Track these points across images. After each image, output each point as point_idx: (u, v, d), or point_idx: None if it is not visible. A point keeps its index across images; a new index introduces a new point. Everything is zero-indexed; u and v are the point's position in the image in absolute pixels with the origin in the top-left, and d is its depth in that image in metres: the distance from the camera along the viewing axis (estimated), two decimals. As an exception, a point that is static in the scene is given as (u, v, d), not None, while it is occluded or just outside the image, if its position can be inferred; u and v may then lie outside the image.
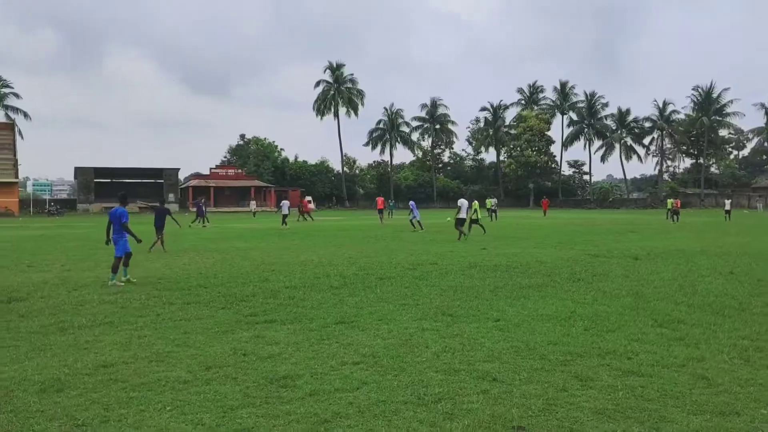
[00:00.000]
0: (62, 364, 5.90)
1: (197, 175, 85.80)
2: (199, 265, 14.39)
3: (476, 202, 26.21)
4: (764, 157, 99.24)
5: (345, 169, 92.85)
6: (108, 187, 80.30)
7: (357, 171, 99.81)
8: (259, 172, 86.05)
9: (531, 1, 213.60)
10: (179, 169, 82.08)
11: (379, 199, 43.35)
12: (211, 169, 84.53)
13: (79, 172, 76.42)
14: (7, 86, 76.53)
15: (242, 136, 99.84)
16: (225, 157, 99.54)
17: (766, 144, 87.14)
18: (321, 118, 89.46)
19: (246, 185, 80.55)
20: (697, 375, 5.43)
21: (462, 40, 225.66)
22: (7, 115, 75.64)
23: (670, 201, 42.91)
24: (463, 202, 23.51)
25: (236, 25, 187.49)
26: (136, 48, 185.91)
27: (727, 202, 41.12)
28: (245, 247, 19.69)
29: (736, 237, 23.59)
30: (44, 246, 20.91)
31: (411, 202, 31.83)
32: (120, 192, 13.13)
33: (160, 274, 12.82)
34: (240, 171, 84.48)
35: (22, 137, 72.90)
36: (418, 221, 29.34)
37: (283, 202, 36.07)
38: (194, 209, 37.25)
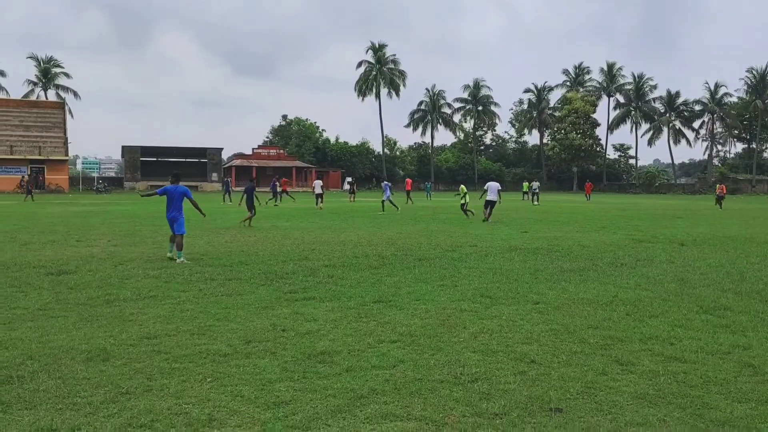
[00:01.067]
0: (108, 335, 6.07)
1: (240, 155, 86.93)
2: (241, 243, 14.60)
3: (463, 186, 25.54)
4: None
5: (386, 150, 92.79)
6: (154, 166, 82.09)
7: (397, 152, 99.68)
8: (301, 153, 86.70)
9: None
10: (222, 148, 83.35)
11: (408, 181, 44.30)
12: (253, 149, 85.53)
13: (126, 150, 78.20)
14: (58, 65, 78.71)
15: (284, 117, 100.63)
16: (267, 137, 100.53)
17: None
18: (362, 99, 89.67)
19: (288, 165, 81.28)
20: (742, 363, 5.29)
21: (507, 20, 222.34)
22: (57, 95, 77.91)
23: (718, 186, 42.06)
24: (491, 185, 23.08)
25: (281, 5, 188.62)
26: (181, 30, 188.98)
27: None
28: (286, 226, 19.90)
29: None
30: (91, 222, 21.51)
31: (384, 183, 32.33)
32: (174, 171, 13.29)
33: (202, 251, 13.06)
34: (282, 151, 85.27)
35: (72, 116, 75.03)
36: (390, 201, 29.74)
37: (315, 182, 36.33)
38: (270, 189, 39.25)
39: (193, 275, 9.79)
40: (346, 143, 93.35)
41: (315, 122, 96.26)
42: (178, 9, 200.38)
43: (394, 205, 30.28)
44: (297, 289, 8.70)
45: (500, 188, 23.44)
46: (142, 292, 8.37)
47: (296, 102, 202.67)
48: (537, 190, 43.07)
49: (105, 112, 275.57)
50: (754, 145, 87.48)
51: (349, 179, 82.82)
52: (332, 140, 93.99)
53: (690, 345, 5.84)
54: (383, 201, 30.47)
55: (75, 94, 78.71)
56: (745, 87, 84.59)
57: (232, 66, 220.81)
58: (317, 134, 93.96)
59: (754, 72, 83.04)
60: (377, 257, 12.09)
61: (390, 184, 32.15)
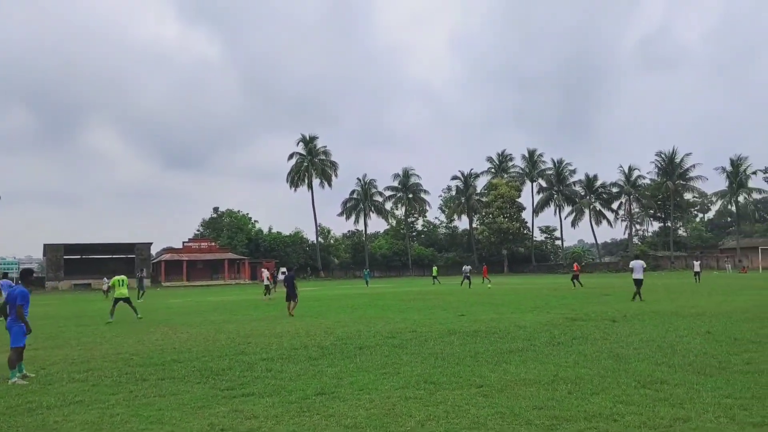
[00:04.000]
0: (30, 447, 5.61)
1: (170, 249, 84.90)
2: (173, 340, 14.03)
3: (120, 278, 21.06)
4: (729, 219, 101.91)
5: (319, 239, 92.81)
6: (78, 264, 78.96)
7: (332, 241, 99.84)
8: (233, 245, 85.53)
9: (496, 72, 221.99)
10: (151, 243, 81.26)
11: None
12: (184, 242, 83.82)
13: (48, 248, 75.10)
14: (-23, 164, 75.90)
15: (216, 209, 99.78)
16: (198, 230, 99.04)
17: (729, 206, 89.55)
18: (295, 190, 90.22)
19: (219, 258, 79.81)
20: (684, 435, 5.37)
21: (432, 110, 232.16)
22: (-25, 193, 74.72)
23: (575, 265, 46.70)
24: (636, 264, 23.08)
25: (209, 98, 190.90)
26: (110, 123, 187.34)
27: (696, 263, 41.63)
28: (219, 320, 19.30)
29: (708, 297, 23.87)
30: (10, 325, 20.20)
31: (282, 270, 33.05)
32: (24, 268, 11.38)
33: (132, 349, 12.46)
34: (213, 244, 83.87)
35: (-10, 215, 71.82)
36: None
37: (280, 270, 36.03)
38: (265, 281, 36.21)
39: (122, 376, 9.28)
40: (279, 233, 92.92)
41: (247, 213, 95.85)
42: (106, 103, 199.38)
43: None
44: (234, 385, 8.36)
45: (644, 266, 23.55)
46: (68, 397, 7.84)
47: (228, 194, 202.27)
48: (468, 274, 43.83)
49: (29, 209, 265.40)
50: (669, 224, 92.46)
51: (283, 269, 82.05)
52: (265, 231, 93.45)
53: (633, 420, 5.91)
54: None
55: (-6, 192, 75.78)
56: (656, 169, 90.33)
57: (162, 158, 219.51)
58: (250, 225, 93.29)
59: (663, 155, 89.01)
60: (316, 347, 11.85)
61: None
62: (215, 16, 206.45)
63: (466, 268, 45.85)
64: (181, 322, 18.89)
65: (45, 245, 75.70)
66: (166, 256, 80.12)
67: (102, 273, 77.22)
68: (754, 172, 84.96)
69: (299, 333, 14.58)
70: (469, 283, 42.38)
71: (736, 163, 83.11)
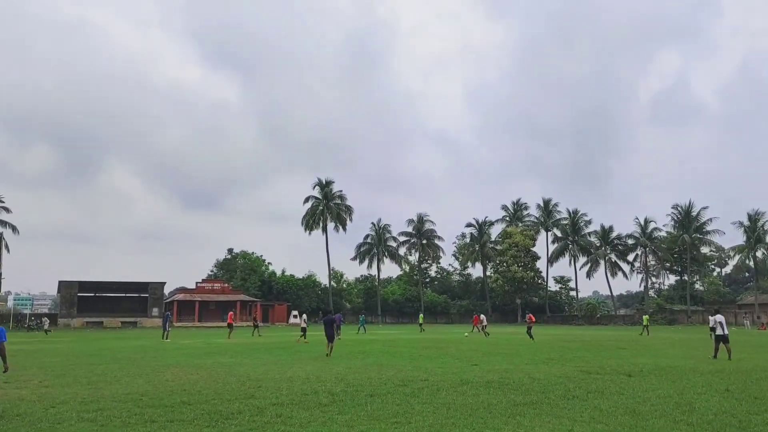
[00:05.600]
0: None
1: (183, 289, 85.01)
2: (183, 381, 13.94)
3: (421, 315, 24.52)
4: (746, 274, 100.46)
5: (332, 283, 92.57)
6: (91, 301, 79.13)
7: (344, 285, 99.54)
8: (246, 286, 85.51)
9: (511, 121, 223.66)
10: (165, 283, 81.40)
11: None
12: (197, 283, 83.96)
13: (62, 285, 75.47)
14: (-1, 200, 77.10)
15: (230, 250, 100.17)
16: (212, 270, 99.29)
17: (747, 261, 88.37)
18: (309, 233, 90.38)
19: (232, 299, 79.69)
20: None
21: (447, 158, 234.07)
22: (-5, 229, 75.58)
23: (645, 317, 48.93)
24: (718, 318, 21.60)
25: (228, 140, 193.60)
26: (129, 163, 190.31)
27: (712, 318, 40.74)
28: (230, 363, 19.18)
29: (725, 354, 23.35)
30: (21, 361, 20.25)
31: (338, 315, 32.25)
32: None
33: (142, 390, 12.39)
34: (226, 285, 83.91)
35: (8, 251, 72.63)
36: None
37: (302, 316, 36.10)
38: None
39: (131, 417, 9.22)
40: (292, 276, 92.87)
41: (261, 255, 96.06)
42: (127, 142, 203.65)
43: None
44: (243, 430, 8.28)
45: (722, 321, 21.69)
46: (76, 437, 7.79)
47: (243, 235, 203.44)
48: (485, 323, 43.49)
49: (45, 245, 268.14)
50: (686, 277, 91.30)
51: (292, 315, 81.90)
52: (278, 273, 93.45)
53: (650, 480, 5.75)
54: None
55: (14, 228, 76.70)
56: (672, 222, 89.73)
57: (179, 199, 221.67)
58: (263, 267, 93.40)
59: (679, 208, 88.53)
60: (327, 394, 11.71)
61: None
62: (235, 60, 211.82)
63: (482, 317, 45.76)
64: (191, 364, 18.80)
65: (60, 282, 76.09)
66: (179, 296, 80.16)
67: (115, 311, 77.47)
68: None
69: (310, 378, 14.44)
70: (485, 333, 42.13)
71: (754, 218, 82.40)
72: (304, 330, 33.81)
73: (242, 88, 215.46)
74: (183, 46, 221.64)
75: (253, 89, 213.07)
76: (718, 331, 21.12)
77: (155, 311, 74.82)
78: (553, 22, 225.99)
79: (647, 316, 52.24)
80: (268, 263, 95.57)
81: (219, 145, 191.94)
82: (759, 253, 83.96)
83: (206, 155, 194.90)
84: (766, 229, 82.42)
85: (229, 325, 40.00)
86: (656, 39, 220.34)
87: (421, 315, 60.05)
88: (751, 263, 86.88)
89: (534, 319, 36.50)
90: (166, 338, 35.61)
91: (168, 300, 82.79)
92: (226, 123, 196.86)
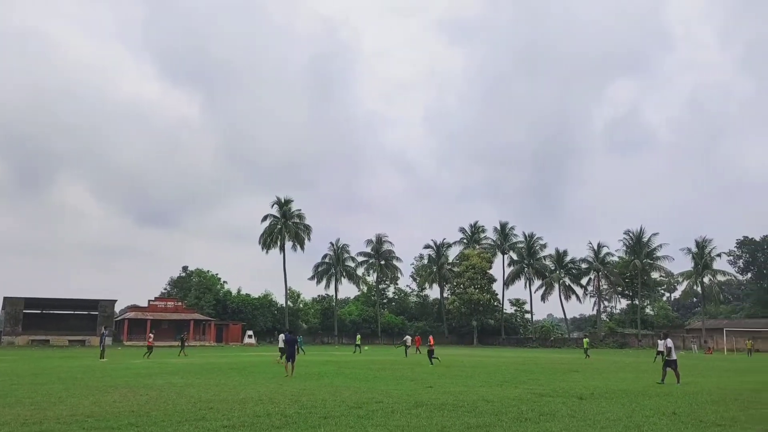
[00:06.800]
0: None
1: (134, 307, 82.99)
2: (131, 402, 13.57)
3: (359, 336, 23.38)
4: (694, 299, 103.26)
5: (289, 303, 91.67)
6: (38, 319, 76.53)
7: (301, 305, 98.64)
8: (200, 305, 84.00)
9: (471, 146, 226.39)
10: (115, 300, 79.43)
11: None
12: (149, 301, 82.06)
13: (7, 302, 72.83)
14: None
15: (185, 268, 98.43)
16: (165, 289, 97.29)
17: (695, 287, 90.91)
18: (267, 252, 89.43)
19: (185, 318, 78.13)
20: None
21: (407, 180, 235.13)
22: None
23: (585, 340, 51.34)
24: (668, 343, 21.50)
25: (186, 158, 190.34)
26: (82, 177, 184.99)
27: (661, 342, 41.65)
28: (181, 383, 18.76)
29: (675, 377, 23.91)
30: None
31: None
32: None
33: (87, 411, 12.02)
34: (180, 303, 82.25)
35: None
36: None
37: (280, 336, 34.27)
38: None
39: (76, 440, 8.93)
40: (248, 295, 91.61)
41: (216, 274, 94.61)
42: (82, 157, 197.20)
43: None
44: (193, 452, 8.10)
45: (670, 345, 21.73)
46: (16, 460, 7.50)
47: (199, 253, 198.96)
48: (408, 344, 45.68)
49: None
50: (636, 302, 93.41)
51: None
52: (234, 292, 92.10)
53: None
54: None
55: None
56: (624, 247, 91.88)
57: (134, 215, 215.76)
58: (218, 286, 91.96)
59: (631, 234, 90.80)
60: (280, 416, 11.56)
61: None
62: (196, 77, 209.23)
63: (407, 338, 46.83)
64: (141, 384, 18.32)
65: (5, 298, 73.48)
66: (130, 314, 78.19)
67: (62, 330, 74.95)
68: (719, 255, 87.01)
69: (263, 400, 14.24)
70: (407, 353, 42.87)
71: (702, 245, 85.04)
72: (282, 350, 33.07)
73: (203, 105, 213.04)
74: (142, 60, 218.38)
75: (214, 107, 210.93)
76: (668, 356, 21.31)
77: (105, 330, 72.72)
78: (513, 50, 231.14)
79: (587, 339, 54.74)
80: (224, 282, 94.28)
81: (177, 162, 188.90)
82: (706, 279, 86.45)
83: (164, 172, 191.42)
84: (713, 255, 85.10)
85: (149, 347, 39.69)
86: (611, 70, 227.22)
87: (359, 336, 59.72)
88: (699, 289, 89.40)
89: (432, 341, 35.08)
90: (103, 357, 34.50)
91: (118, 318, 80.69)
92: (185, 140, 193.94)
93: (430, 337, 36.08)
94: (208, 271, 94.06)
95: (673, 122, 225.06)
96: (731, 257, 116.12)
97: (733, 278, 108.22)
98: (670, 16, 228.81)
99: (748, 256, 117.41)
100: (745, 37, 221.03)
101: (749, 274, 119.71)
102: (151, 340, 41.80)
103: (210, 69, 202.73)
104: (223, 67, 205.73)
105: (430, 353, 33.10)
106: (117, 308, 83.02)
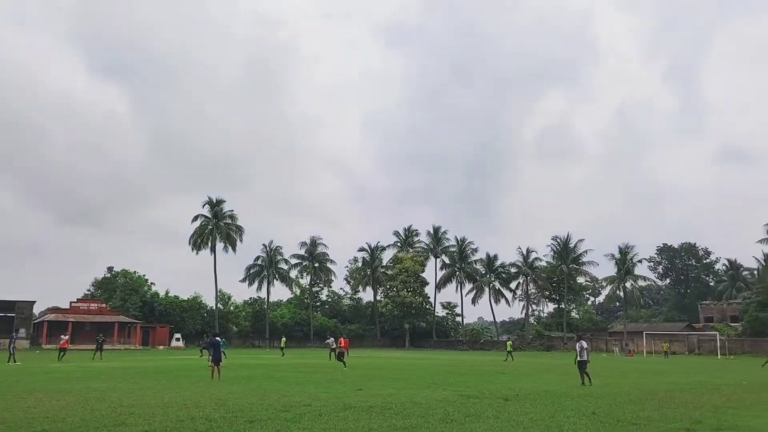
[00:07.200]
0: None
1: (55, 309, 79.42)
2: (46, 408, 12.98)
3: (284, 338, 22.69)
4: (617, 303, 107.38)
5: (219, 305, 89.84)
6: (-54, 321, 72.24)
7: (231, 308, 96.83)
8: (126, 307, 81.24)
9: (407, 150, 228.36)
10: (34, 302, 75.79)
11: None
12: (71, 302, 78.74)
13: None
14: None
15: (110, 269, 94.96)
16: (89, 290, 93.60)
17: (618, 292, 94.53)
18: (197, 253, 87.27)
19: (109, 321, 75.41)
20: None
21: (343, 182, 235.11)
22: None
23: (509, 343, 52.89)
24: (582, 344, 21.65)
25: (115, 154, 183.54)
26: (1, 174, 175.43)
27: (578, 345, 42.88)
28: (103, 388, 18.09)
29: (596, 379, 24.80)
30: None
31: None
32: None
33: (-2, 418, 11.42)
34: (104, 305, 79.31)
35: None
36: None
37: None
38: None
39: (-17, 448, 8.47)
40: (176, 297, 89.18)
41: (144, 275, 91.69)
42: (0, 152, 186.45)
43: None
44: (111, 459, 7.82)
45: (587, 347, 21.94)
46: None
47: (126, 254, 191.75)
48: (333, 346, 44.29)
49: None
50: (563, 305, 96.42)
51: (176, 335, 78.87)
52: (162, 294, 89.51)
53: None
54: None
55: None
56: (552, 253, 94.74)
57: (57, 214, 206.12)
58: (146, 287, 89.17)
59: (558, 240, 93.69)
60: (204, 420, 11.32)
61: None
62: (128, 72, 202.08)
63: (329, 340, 45.76)
64: (59, 389, 17.56)
65: None
66: (50, 316, 74.83)
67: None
68: (640, 261, 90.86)
69: (188, 404, 13.90)
70: (330, 356, 42.34)
71: (624, 251, 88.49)
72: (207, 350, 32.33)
73: (134, 101, 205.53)
74: (69, 52, 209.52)
75: (146, 103, 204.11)
76: (579, 357, 21.61)
77: (22, 332, 69.36)
78: (450, 58, 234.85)
79: (510, 342, 56.28)
80: (151, 283, 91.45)
81: (105, 159, 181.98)
82: (628, 284, 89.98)
83: (91, 169, 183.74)
84: (634, 261, 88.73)
85: (62, 349, 38.63)
86: (543, 81, 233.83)
87: (284, 339, 59.48)
88: (621, 293, 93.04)
89: (344, 344, 34.74)
90: (13, 362, 32.79)
91: (37, 320, 77.14)
92: (114, 136, 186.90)
93: (341, 339, 35.30)
94: (135, 272, 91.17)
95: (601, 133, 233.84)
96: (651, 263, 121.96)
97: (653, 283, 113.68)
98: (598, 31, 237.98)
99: (667, 262, 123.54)
100: (668, 53, 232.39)
101: (668, 280, 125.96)
102: (64, 341, 40.39)
103: (142, 63, 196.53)
104: (156, 63, 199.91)
105: (341, 355, 32.69)
106: (36, 310, 79.29)
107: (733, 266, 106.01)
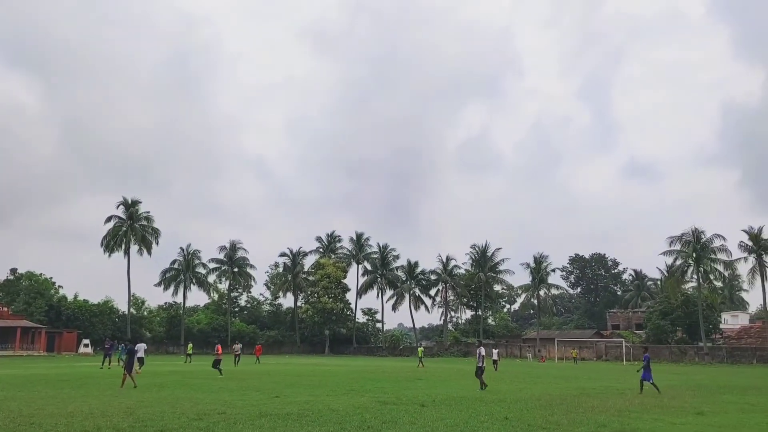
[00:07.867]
0: None
1: (-51, 312, 74.20)
2: (-64, 420, 12.10)
3: (191, 344, 22.60)
4: (531, 311, 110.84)
5: (132, 310, 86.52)
6: None
7: (145, 312, 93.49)
8: (30, 311, 76.88)
9: (329, 155, 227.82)
10: (-74, 304, 70.53)
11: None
12: (-32, 305, 73.82)
13: None
14: None
15: (13, 271, 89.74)
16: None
17: (532, 300, 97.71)
18: (109, 256, 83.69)
19: (11, 325, 71.12)
20: None
21: (265, 186, 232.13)
22: None
23: (420, 349, 53.97)
24: (480, 351, 22.15)
25: (22, 150, 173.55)
26: None
27: (495, 351, 43.93)
28: (1, 397, 17.03)
29: (509, 384, 25.54)
30: None
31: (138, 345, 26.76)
32: None
33: None
34: (5, 309, 74.76)
35: None
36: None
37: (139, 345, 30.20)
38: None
39: None
40: (86, 301, 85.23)
41: (50, 277, 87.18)
42: None
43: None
44: (6, 473, 7.37)
45: (483, 354, 22.19)
46: None
47: (32, 255, 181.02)
48: (239, 352, 44.23)
49: None
50: (479, 312, 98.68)
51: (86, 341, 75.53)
52: (70, 297, 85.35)
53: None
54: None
55: None
56: (470, 260, 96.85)
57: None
58: (52, 291, 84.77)
59: (476, 248, 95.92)
60: (112, 430, 10.87)
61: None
62: (37, 62, 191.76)
63: (237, 346, 45.25)
64: (-50, 399, 16.38)
65: None
66: (-56, 320, 69.85)
67: None
68: (554, 270, 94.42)
69: (94, 413, 13.29)
70: (236, 362, 41.85)
71: (539, 260, 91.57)
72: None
73: (43, 93, 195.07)
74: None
75: (57, 97, 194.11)
76: (478, 363, 22.28)
77: None
78: (374, 64, 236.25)
79: (422, 348, 57.50)
80: (59, 286, 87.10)
81: (10, 154, 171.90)
82: (542, 292, 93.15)
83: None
84: (548, 270, 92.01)
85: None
86: (465, 92, 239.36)
87: (191, 345, 57.02)
88: (535, 301, 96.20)
89: (221, 351, 32.97)
90: None
91: (-71, 324, 71.76)
92: (20, 130, 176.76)
93: (218, 346, 33.52)
94: (41, 274, 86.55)
95: (518, 145, 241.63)
96: (564, 272, 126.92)
97: (565, 292, 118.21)
98: (519, 46, 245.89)
99: (578, 272, 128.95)
100: (582, 71, 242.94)
101: (579, 289, 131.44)
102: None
103: (53, 54, 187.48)
104: (68, 54, 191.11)
105: (216, 363, 30.17)
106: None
107: (639, 276, 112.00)
